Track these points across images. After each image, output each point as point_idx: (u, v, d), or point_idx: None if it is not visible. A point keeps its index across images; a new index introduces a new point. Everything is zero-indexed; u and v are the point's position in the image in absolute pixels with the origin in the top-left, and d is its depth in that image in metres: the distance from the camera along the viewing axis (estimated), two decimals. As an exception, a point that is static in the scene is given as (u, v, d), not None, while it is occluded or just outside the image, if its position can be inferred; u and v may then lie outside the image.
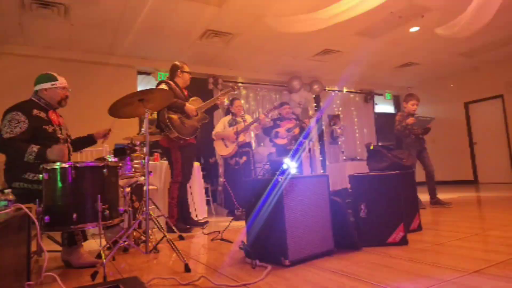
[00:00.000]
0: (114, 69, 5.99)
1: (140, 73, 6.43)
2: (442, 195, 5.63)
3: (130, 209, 2.71)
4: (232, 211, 4.49)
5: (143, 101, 2.26)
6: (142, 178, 2.85)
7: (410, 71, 8.12)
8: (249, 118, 4.80)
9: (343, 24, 5.08)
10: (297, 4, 4.63)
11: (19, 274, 1.56)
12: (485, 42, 6.49)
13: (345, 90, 8.86)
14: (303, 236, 1.99)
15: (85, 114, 5.03)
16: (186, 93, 3.69)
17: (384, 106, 9.73)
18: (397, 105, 9.99)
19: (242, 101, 6.31)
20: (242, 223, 3.10)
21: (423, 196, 4.62)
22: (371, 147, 2.99)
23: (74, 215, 1.90)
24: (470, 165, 8.34)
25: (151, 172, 2.59)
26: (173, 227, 3.14)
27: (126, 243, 2.39)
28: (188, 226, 3.47)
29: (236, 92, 3.98)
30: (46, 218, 1.89)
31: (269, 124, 5.01)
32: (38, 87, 2.41)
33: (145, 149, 2.32)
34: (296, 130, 5.05)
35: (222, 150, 4.66)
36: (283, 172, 2.09)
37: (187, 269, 1.93)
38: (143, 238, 2.63)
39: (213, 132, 4.82)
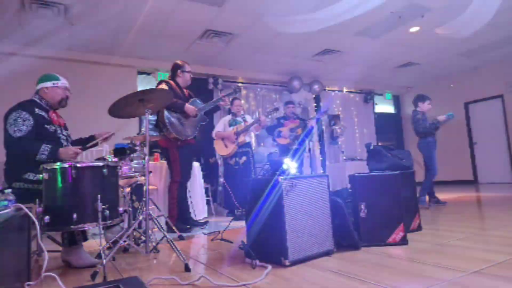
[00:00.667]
0: (114, 69, 5.99)
1: (140, 73, 6.43)
2: (442, 195, 5.63)
3: (130, 209, 2.71)
4: (232, 211, 4.49)
5: (143, 101, 2.26)
6: (142, 178, 2.84)
7: (410, 71, 8.12)
8: (249, 119, 4.80)
9: (343, 24, 5.09)
10: (297, 4, 4.63)
11: (19, 274, 1.56)
12: (485, 42, 6.49)
13: (345, 90, 8.86)
14: (303, 236, 1.99)
15: (85, 114, 5.04)
16: (187, 92, 3.69)
17: (384, 106, 9.73)
18: (397, 105, 9.99)
19: (243, 101, 6.31)
20: (242, 223, 3.10)
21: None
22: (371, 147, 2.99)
23: (74, 215, 1.91)
24: (470, 165, 8.34)
25: (151, 172, 2.59)
26: (173, 227, 3.13)
27: (126, 243, 2.39)
28: (188, 226, 3.46)
29: (244, 92, 4.00)
30: (46, 218, 1.89)
31: (269, 124, 5.02)
32: (39, 86, 2.42)
33: (145, 149, 2.31)
34: (299, 131, 5.05)
35: (221, 150, 4.66)
36: (283, 172, 2.09)
37: (187, 269, 1.93)
38: (143, 238, 2.63)
39: (213, 132, 4.82)
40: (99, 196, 1.96)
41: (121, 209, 2.16)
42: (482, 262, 1.77)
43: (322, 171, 7.71)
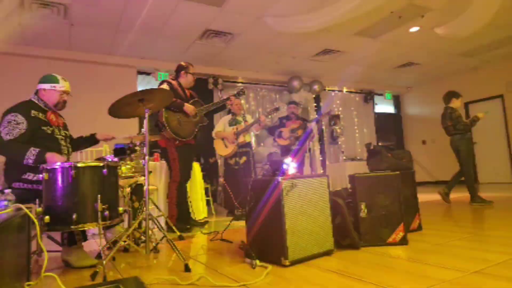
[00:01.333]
0: (114, 69, 5.99)
1: (140, 73, 6.43)
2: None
3: (130, 209, 2.71)
4: (232, 211, 4.49)
5: (143, 101, 2.26)
6: (142, 178, 2.84)
7: (410, 71, 8.12)
8: (249, 119, 4.80)
9: (343, 24, 5.09)
10: (297, 4, 4.63)
11: (19, 274, 1.56)
12: (485, 42, 6.49)
13: (345, 90, 8.86)
14: (303, 236, 1.99)
15: (85, 114, 5.04)
16: (188, 93, 3.69)
17: (384, 106, 9.73)
18: (397, 105, 9.99)
19: (242, 101, 6.31)
20: (242, 223, 3.10)
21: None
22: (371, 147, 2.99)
23: (74, 215, 1.90)
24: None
25: (151, 172, 2.59)
26: (173, 227, 3.13)
27: (126, 243, 2.39)
28: (188, 226, 3.47)
29: (242, 95, 3.99)
30: (46, 218, 1.89)
31: (270, 124, 5.02)
32: (38, 86, 2.42)
33: (145, 149, 2.31)
34: (300, 132, 5.04)
35: (221, 150, 4.66)
36: (283, 172, 2.09)
37: (187, 269, 1.92)
38: (143, 238, 2.63)
39: (213, 132, 4.82)
40: (99, 196, 1.96)
41: (121, 209, 2.16)
42: (482, 262, 1.77)
43: (322, 171, 7.71)
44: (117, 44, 5.53)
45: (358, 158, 7.96)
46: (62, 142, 2.41)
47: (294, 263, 1.91)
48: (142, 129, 2.68)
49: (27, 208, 1.67)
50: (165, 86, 3.49)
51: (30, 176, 2.20)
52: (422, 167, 9.06)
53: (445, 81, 8.82)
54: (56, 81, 2.43)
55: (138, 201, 2.92)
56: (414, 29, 5.68)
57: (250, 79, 7.43)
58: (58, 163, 1.97)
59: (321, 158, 7.99)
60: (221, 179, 5.79)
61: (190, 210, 3.76)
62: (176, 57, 6.07)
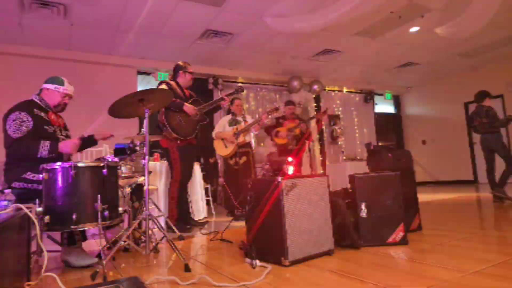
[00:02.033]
0: (114, 69, 5.99)
1: (140, 73, 6.43)
2: (442, 195, 5.64)
3: (130, 209, 2.71)
4: (232, 211, 4.48)
5: (143, 101, 2.26)
6: (142, 178, 2.84)
7: (410, 71, 8.12)
8: (249, 119, 4.79)
9: (343, 24, 5.09)
10: (297, 4, 4.63)
11: (19, 274, 1.56)
12: (485, 42, 6.49)
13: (345, 90, 8.86)
14: (303, 236, 1.99)
15: (85, 114, 5.04)
16: (187, 93, 3.69)
17: (384, 106, 9.73)
18: (397, 105, 10.00)
19: (243, 101, 6.31)
20: (242, 223, 3.10)
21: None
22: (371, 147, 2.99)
23: (74, 215, 1.90)
24: (470, 165, 8.33)
25: (151, 172, 2.59)
26: (173, 227, 3.13)
27: (126, 243, 2.39)
28: (188, 226, 3.46)
29: (244, 92, 4.00)
30: (46, 218, 1.89)
31: (270, 123, 5.01)
32: (43, 85, 2.45)
33: (145, 149, 2.31)
34: (298, 130, 5.04)
35: (221, 150, 4.65)
36: (283, 172, 2.09)
37: (187, 269, 1.92)
38: (143, 238, 2.63)
39: (213, 132, 4.82)
40: (99, 196, 1.96)
41: (121, 209, 2.16)
42: (482, 262, 1.76)
43: (322, 171, 7.71)
44: (117, 44, 5.53)
45: (358, 158, 7.97)
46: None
47: (294, 263, 1.91)
48: (142, 129, 2.69)
49: (27, 208, 1.67)
50: (163, 86, 3.49)
51: (30, 175, 2.21)
52: (422, 167, 9.07)
53: (445, 81, 8.82)
54: (61, 84, 2.45)
55: (138, 201, 2.92)
56: (414, 29, 5.68)
57: (250, 79, 7.43)
58: (59, 163, 1.98)
59: (321, 158, 8.00)
60: (221, 179, 5.79)
61: (190, 210, 3.76)
62: (176, 57, 6.06)
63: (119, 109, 2.29)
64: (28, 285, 1.60)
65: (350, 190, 2.44)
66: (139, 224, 2.75)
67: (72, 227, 1.92)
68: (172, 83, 3.60)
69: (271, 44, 5.97)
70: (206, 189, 4.92)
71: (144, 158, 2.35)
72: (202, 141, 4.46)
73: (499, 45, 6.74)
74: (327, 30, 5.37)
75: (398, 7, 4.87)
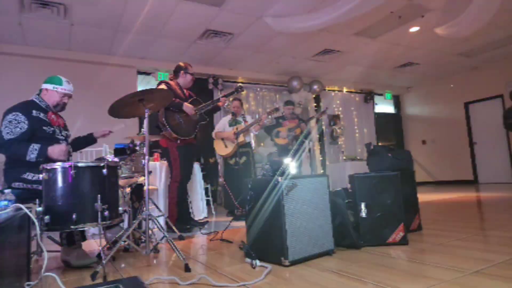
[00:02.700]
0: (114, 69, 5.99)
1: (140, 73, 6.43)
2: (442, 195, 5.64)
3: (130, 209, 2.71)
4: (232, 211, 4.49)
5: (143, 101, 2.26)
6: (142, 178, 2.84)
7: (410, 71, 8.12)
8: (249, 119, 4.79)
9: (343, 24, 5.09)
10: (297, 4, 4.63)
11: (19, 274, 1.56)
12: (485, 42, 6.49)
13: (345, 90, 8.87)
14: (303, 236, 1.99)
15: (85, 114, 5.03)
16: (187, 93, 3.69)
17: (384, 106, 9.73)
18: (397, 105, 10.00)
19: (243, 101, 6.31)
20: (242, 223, 3.10)
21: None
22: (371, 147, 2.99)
23: (74, 215, 1.90)
24: (470, 165, 8.34)
25: (151, 172, 2.59)
26: (173, 227, 3.14)
27: (126, 243, 2.39)
28: (188, 226, 3.46)
29: (244, 92, 3.98)
30: (46, 218, 1.89)
31: (270, 123, 5.01)
32: (42, 86, 2.44)
33: (145, 149, 2.31)
34: (298, 130, 5.05)
35: (221, 150, 4.66)
36: (283, 172, 2.09)
37: (187, 269, 1.92)
38: (143, 238, 2.63)
39: (213, 132, 4.82)
40: (99, 196, 1.96)
41: (121, 209, 2.16)
42: (482, 262, 1.76)
43: (322, 171, 7.71)
44: (117, 44, 5.53)
45: (358, 158, 7.97)
46: (63, 143, 2.41)
47: (294, 263, 1.91)
48: (142, 129, 2.69)
49: (27, 208, 1.67)
50: (162, 86, 3.49)
51: (30, 176, 2.21)
52: (422, 167, 9.07)
53: (445, 81, 8.82)
54: (60, 83, 2.44)
55: (138, 201, 2.92)
56: (414, 29, 5.68)
57: (250, 79, 7.43)
58: (59, 163, 1.98)
59: (321, 158, 8.00)
60: (221, 179, 5.79)
61: (190, 210, 3.76)
62: (176, 57, 6.07)
63: (119, 109, 2.29)
64: (28, 285, 1.60)
65: (350, 190, 2.44)
66: (139, 224, 2.75)
67: (72, 227, 1.92)
68: (172, 83, 3.60)
69: (271, 44, 5.97)
70: (206, 189, 4.92)
71: (144, 158, 2.35)
72: (202, 141, 4.47)
73: (499, 45, 6.74)
74: (327, 30, 5.37)
75: (398, 7, 4.87)
